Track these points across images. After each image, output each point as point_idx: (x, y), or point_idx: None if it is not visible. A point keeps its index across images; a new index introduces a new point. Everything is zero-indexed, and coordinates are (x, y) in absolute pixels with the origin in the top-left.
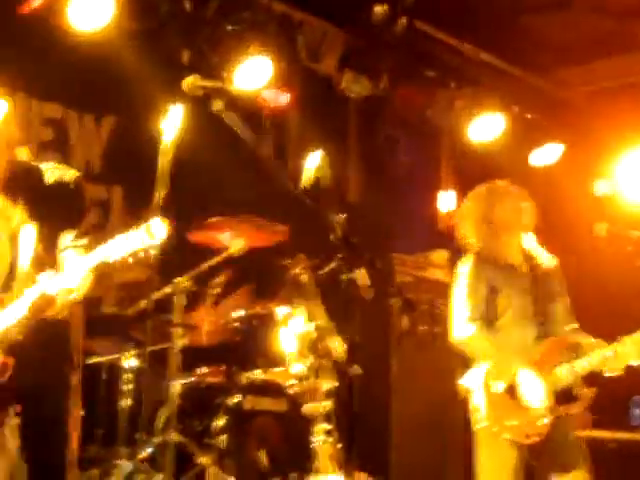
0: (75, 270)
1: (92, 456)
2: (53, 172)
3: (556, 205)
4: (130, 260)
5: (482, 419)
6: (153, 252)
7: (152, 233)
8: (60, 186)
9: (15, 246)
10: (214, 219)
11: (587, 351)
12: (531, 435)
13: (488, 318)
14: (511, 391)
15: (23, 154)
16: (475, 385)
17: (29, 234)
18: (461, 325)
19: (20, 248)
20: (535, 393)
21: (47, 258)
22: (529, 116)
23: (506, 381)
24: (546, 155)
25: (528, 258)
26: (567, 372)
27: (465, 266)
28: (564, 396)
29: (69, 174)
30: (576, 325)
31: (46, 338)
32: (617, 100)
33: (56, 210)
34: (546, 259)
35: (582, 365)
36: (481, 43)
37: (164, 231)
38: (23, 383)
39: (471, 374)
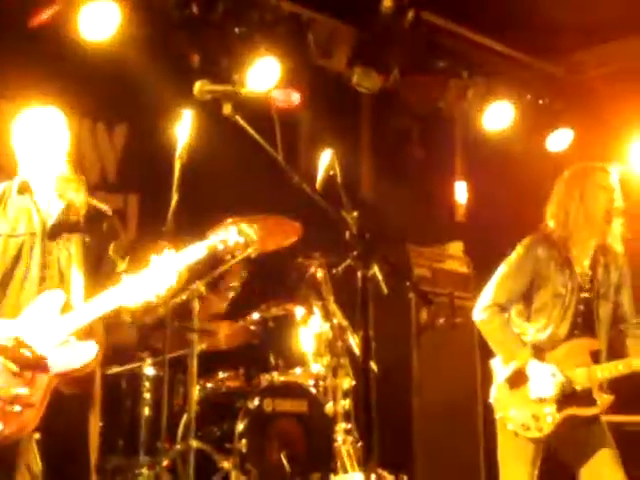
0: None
1: (114, 466)
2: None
3: None
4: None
5: (495, 407)
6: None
7: (243, 232)
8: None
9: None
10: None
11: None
12: (534, 429)
13: (527, 304)
14: (517, 381)
15: None
16: (495, 372)
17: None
18: (479, 307)
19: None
20: (544, 388)
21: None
22: (541, 102)
23: (512, 370)
24: (559, 141)
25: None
26: (584, 374)
27: (521, 246)
28: (583, 397)
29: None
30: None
31: None
32: (632, 82)
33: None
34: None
35: (601, 372)
36: (490, 30)
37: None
38: None
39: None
